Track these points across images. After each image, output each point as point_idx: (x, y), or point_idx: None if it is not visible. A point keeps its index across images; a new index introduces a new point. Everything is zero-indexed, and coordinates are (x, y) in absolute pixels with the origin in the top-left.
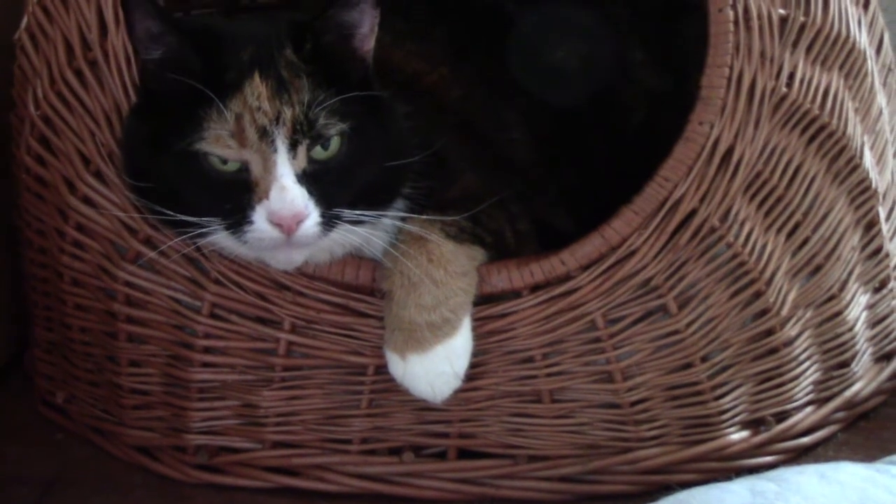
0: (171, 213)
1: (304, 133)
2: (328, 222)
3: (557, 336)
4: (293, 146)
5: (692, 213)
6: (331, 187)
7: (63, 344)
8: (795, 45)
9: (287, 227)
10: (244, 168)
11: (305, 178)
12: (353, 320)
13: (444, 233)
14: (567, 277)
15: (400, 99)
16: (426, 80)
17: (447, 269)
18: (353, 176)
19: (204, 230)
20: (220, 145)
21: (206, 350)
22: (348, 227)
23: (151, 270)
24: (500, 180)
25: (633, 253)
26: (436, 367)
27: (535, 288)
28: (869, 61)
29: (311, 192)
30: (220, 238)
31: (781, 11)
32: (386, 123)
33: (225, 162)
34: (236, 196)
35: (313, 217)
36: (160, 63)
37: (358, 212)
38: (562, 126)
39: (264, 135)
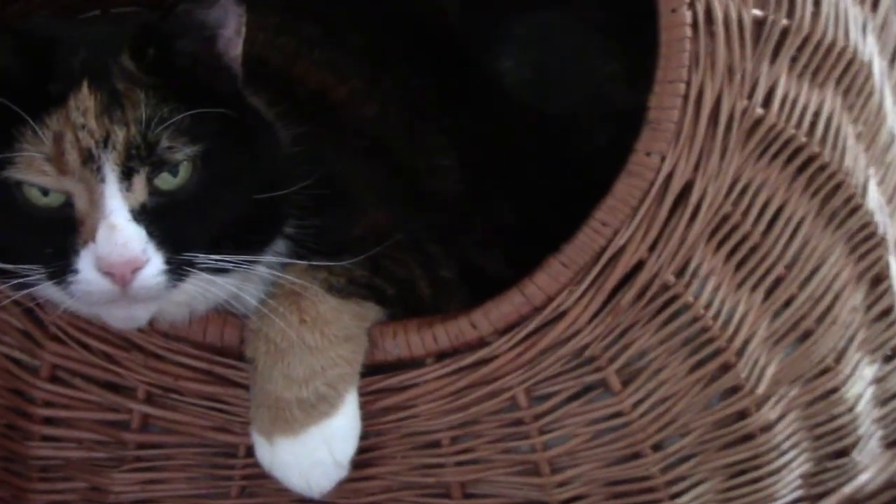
0: None
1: (141, 158)
2: (176, 270)
3: (470, 416)
4: (127, 175)
5: (638, 266)
6: (180, 226)
7: None
8: (775, 55)
9: (119, 276)
10: (68, 202)
11: (145, 215)
12: (220, 390)
13: (328, 284)
14: (480, 344)
15: (292, 118)
16: (334, 94)
17: (324, 332)
18: (209, 211)
19: (24, 280)
20: (34, 171)
21: (47, 421)
22: (206, 276)
23: None
24: (417, 217)
25: (562, 315)
26: (310, 454)
27: (442, 356)
28: (876, 75)
29: (151, 233)
30: (47, 290)
31: (756, 12)
32: (255, 146)
33: (46, 194)
34: (59, 238)
35: (154, 264)
36: None
37: (218, 257)
38: (503, 150)
39: (89, 159)
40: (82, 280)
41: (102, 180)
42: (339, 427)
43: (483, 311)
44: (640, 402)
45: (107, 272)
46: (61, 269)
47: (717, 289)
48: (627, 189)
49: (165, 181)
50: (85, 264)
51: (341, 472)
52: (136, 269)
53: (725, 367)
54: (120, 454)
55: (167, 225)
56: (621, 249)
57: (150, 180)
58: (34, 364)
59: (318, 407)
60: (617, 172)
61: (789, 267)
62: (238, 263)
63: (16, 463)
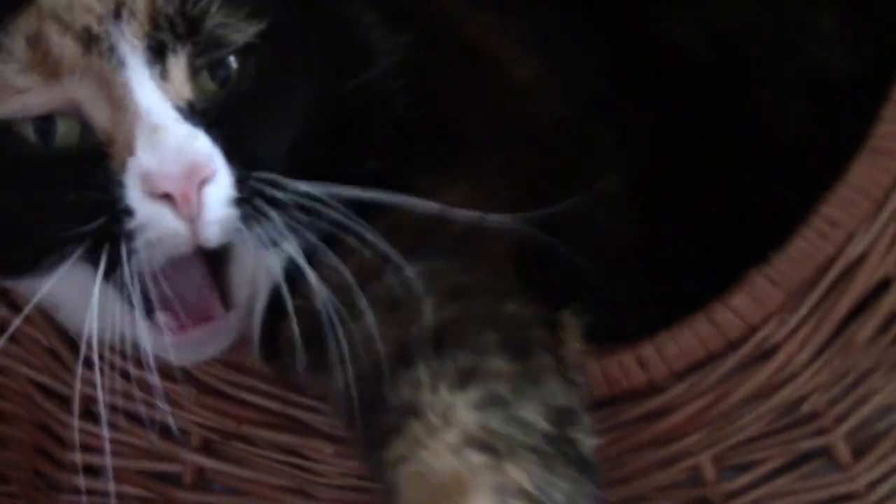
0: None
1: (176, 33)
2: (250, 200)
3: (635, 490)
4: (158, 53)
5: (883, 286)
6: (246, 132)
7: None
8: None
9: (182, 194)
10: (86, 129)
11: (196, 116)
12: (296, 440)
13: None
14: (650, 390)
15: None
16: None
17: None
18: (279, 115)
19: (53, 264)
20: (9, 93)
21: (82, 469)
22: (284, 218)
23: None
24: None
25: (769, 353)
26: None
27: (596, 406)
28: None
29: (212, 136)
30: (76, 277)
31: None
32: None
33: (47, 134)
34: (91, 185)
35: (224, 178)
36: None
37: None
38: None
39: (92, 41)
40: (140, 222)
41: (121, 63)
42: None
43: (655, 344)
44: (879, 482)
45: (161, 190)
46: (108, 225)
47: None
48: (869, 173)
49: (205, 82)
50: (133, 193)
51: None
52: (203, 182)
53: None
54: None
55: (230, 129)
56: (858, 261)
57: (194, 70)
58: (65, 394)
59: None
60: (832, 169)
61: None
62: (326, 199)
63: None
